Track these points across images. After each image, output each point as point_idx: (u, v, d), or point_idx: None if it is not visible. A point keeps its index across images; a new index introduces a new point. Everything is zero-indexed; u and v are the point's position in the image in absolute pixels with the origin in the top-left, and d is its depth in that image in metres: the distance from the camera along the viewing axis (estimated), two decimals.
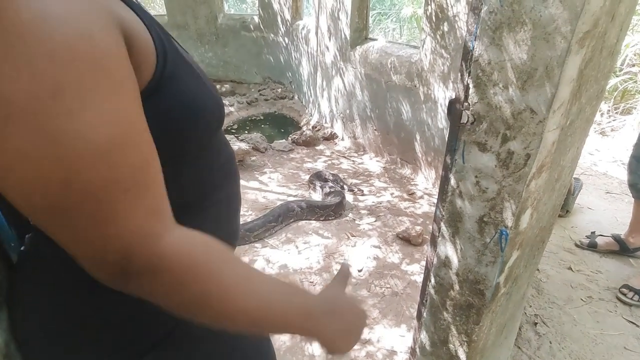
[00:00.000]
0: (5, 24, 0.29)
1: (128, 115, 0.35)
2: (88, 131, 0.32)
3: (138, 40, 0.40)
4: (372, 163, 3.36)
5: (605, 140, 3.84)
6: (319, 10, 3.79)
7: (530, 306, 1.85)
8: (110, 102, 0.33)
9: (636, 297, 1.85)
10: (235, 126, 4.72)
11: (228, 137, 3.62)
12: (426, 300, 1.06)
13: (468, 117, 0.78)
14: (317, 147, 3.70)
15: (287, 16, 4.78)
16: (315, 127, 3.99)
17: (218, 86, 5.96)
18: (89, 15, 0.33)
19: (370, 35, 3.43)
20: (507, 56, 0.68)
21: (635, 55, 3.98)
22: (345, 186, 2.89)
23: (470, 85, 0.76)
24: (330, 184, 2.86)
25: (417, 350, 1.17)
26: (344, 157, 3.50)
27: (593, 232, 2.32)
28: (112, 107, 0.33)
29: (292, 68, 5.04)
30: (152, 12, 6.83)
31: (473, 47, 0.73)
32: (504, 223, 0.79)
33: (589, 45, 0.65)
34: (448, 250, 0.93)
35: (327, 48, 3.74)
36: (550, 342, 1.67)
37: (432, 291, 1.03)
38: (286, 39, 4.99)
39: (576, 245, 2.30)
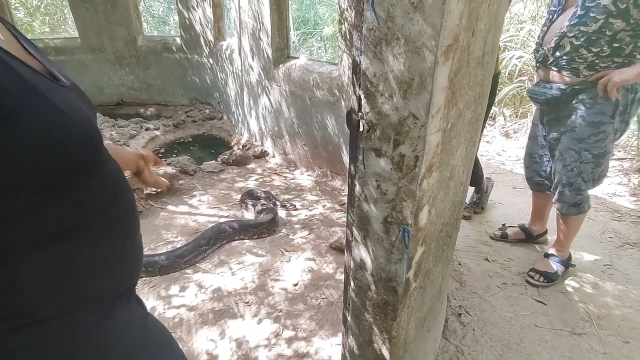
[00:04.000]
0: None
1: None
2: None
3: None
4: (304, 177, 3.41)
5: (509, 141, 4.28)
6: (240, 31, 3.82)
7: (455, 298, 1.98)
8: None
9: (542, 279, 2.06)
10: (162, 150, 4.53)
11: None
12: (349, 305, 1.10)
13: (363, 126, 0.84)
14: (249, 166, 3.67)
15: (210, 37, 4.74)
16: (246, 146, 3.96)
17: (142, 110, 5.70)
18: None
19: (296, 54, 3.52)
20: (388, 68, 0.75)
21: (524, 66, 4.52)
22: (277, 202, 2.90)
23: (362, 96, 0.82)
24: (263, 201, 2.85)
25: (347, 354, 1.20)
26: (276, 173, 3.52)
27: (504, 225, 2.56)
28: None
29: (219, 88, 4.99)
30: (64, 35, 6.40)
31: (360, 61, 0.79)
32: (405, 221, 0.86)
33: (454, 57, 0.74)
34: (362, 253, 0.98)
35: (252, 67, 3.77)
36: (474, 330, 1.79)
37: (352, 294, 1.06)
38: (211, 60, 4.94)
39: (491, 237, 2.52)
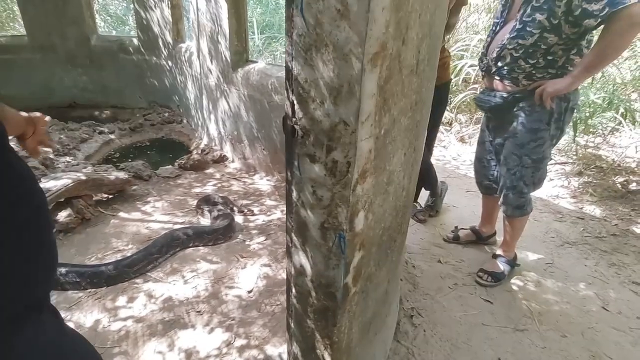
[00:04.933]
0: None
1: None
2: None
3: None
4: (263, 182, 3.38)
5: (464, 146, 4.45)
6: (199, 34, 3.75)
7: (408, 300, 2.02)
8: None
9: (489, 279, 2.15)
10: (117, 154, 4.34)
11: (106, 166, 3.31)
12: (292, 311, 1.09)
13: (297, 132, 0.84)
14: (207, 171, 3.59)
15: (169, 39, 4.62)
16: (204, 151, 3.88)
17: (96, 112, 5.45)
18: None
19: (258, 58, 3.49)
20: (319, 74, 0.76)
21: (477, 75, 4.72)
22: (235, 208, 2.85)
23: (295, 102, 0.82)
24: (220, 207, 2.79)
25: None
26: (235, 178, 3.46)
27: (456, 227, 2.65)
28: None
29: (179, 91, 4.87)
30: (12, 33, 6.03)
31: (292, 67, 0.79)
32: (340, 227, 0.86)
33: (383, 64, 0.75)
34: (301, 259, 0.98)
35: (210, 71, 3.70)
36: (424, 331, 1.83)
37: (294, 301, 1.06)
38: (170, 62, 4.81)
39: (444, 239, 2.60)
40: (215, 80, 3.67)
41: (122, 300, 1.98)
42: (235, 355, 1.66)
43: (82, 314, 1.87)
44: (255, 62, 3.37)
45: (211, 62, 3.65)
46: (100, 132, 4.48)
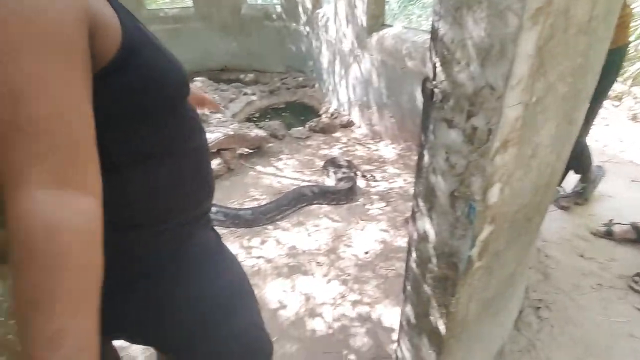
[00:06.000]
0: None
1: (59, 80, 0.41)
2: (14, 81, 0.39)
3: (104, 22, 0.49)
4: (388, 150, 3.37)
5: (636, 126, 3.65)
6: None
7: (535, 291, 1.84)
8: (48, 68, 0.40)
9: None
10: (257, 114, 4.83)
11: (248, 124, 3.73)
12: (409, 275, 1.11)
13: (437, 95, 0.81)
14: (334, 135, 3.74)
15: (308, 5, 4.80)
16: (333, 115, 4.03)
17: (242, 75, 6.08)
18: (59, 5, 0.41)
19: (393, 23, 3.41)
20: (467, 34, 0.71)
21: None
22: (358, 172, 2.94)
23: (437, 64, 0.79)
24: (344, 169, 2.90)
25: (404, 323, 1.22)
26: (360, 144, 3.53)
27: (611, 220, 2.25)
28: (45, 69, 0.40)
29: (313, 56, 5.08)
30: (180, 5, 7.03)
31: (438, 27, 0.76)
32: (472, 197, 0.83)
33: (546, 22, 0.67)
34: (426, 224, 0.98)
35: (345, 35, 3.75)
36: (552, 326, 1.66)
37: (413, 265, 1.07)
38: (307, 28, 5.02)
39: (592, 233, 2.25)
40: (349, 45, 3.71)
41: (255, 241, 2.27)
42: (348, 307, 1.78)
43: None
44: (390, 26, 3.29)
45: (347, 26, 3.69)
46: (245, 94, 5.01)
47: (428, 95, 0.84)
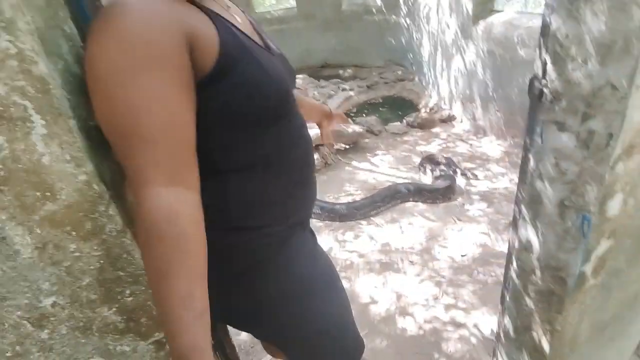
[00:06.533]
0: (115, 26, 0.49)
1: (166, 95, 0.51)
2: (134, 99, 0.49)
3: (203, 39, 0.56)
4: (492, 146, 3.14)
5: None
6: None
7: None
8: (156, 85, 0.50)
9: None
10: (355, 110, 4.89)
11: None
12: (509, 284, 1.04)
13: (546, 95, 0.75)
14: (433, 130, 3.61)
15: None
16: (433, 109, 3.88)
17: (341, 71, 6.18)
18: (159, 31, 0.51)
19: (505, 6, 3.14)
20: (585, 29, 0.65)
21: None
22: (457, 170, 2.79)
23: (548, 62, 0.73)
24: (442, 167, 2.79)
25: (502, 335, 1.16)
26: (461, 140, 3.35)
27: None
28: (155, 87, 0.50)
29: (413, 49, 4.93)
30: (283, 6, 7.42)
31: (550, 21, 0.70)
32: (586, 208, 0.75)
33: None
34: (529, 233, 0.91)
35: (448, 25, 3.57)
36: None
37: (513, 275, 1.00)
38: (407, 20, 4.89)
39: None
40: (452, 35, 3.52)
41: (349, 235, 2.33)
42: (441, 310, 1.73)
43: (320, 240, 2.32)
44: (500, 11, 3.03)
45: (450, 15, 3.50)
46: (343, 89, 5.10)
47: (536, 95, 0.78)
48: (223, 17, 0.63)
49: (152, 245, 0.50)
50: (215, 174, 0.65)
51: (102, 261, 0.59)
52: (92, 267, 0.59)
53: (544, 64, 0.74)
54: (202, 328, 0.52)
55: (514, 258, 0.98)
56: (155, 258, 0.50)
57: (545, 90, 0.75)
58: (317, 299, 0.82)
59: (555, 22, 0.69)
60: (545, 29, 0.72)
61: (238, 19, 0.70)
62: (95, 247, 0.58)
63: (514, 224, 0.96)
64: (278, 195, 0.74)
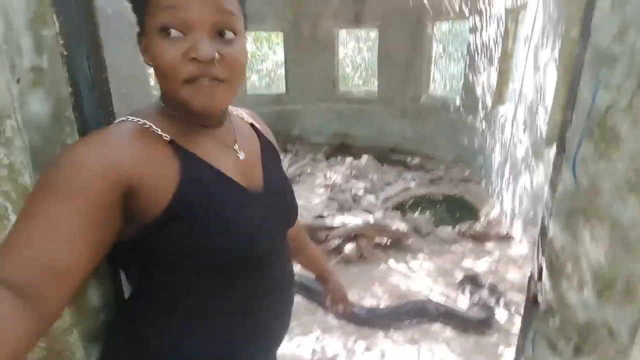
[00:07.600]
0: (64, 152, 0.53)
1: (62, 220, 0.49)
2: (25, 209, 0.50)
3: (147, 188, 0.55)
4: None
5: None
6: (518, 100, 3.55)
7: None
8: (59, 209, 0.49)
9: None
10: (411, 201, 4.75)
11: (395, 212, 3.70)
12: None
13: (540, 304, 0.63)
14: (486, 245, 3.33)
15: (488, 102, 4.64)
16: (491, 223, 3.61)
17: (409, 158, 6.16)
18: (88, 170, 0.51)
19: None
20: (582, 249, 0.54)
21: None
22: (501, 300, 2.49)
23: (544, 267, 0.62)
24: (485, 292, 2.52)
25: None
26: (515, 265, 3.02)
27: None
28: (57, 209, 0.49)
29: (485, 153, 4.78)
30: (368, 88, 7.77)
31: (547, 225, 0.61)
32: None
33: None
34: None
35: (520, 141, 3.42)
36: None
37: None
38: (483, 124, 4.81)
39: None
40: (523, 152, 3.36)
41: (360, 345, 2.15)
42: None
43: (329, 341, 2.16)
44: None
45: (523, 132, 3.36)
46: (404, 179, 5.04)
47: (530, 297, 0.66)
48: (204, 161, 0.62)
49: None
50: (157, 313, 0.63)
51: None
52: None
53: (540, 268, 0.63)
54: None
55: None
56: None
57: (539, 297, 0.63)
58: None
59: (552, 229, 0.59)
60: (543, 230, 0.62)
61: (240, 156, 0.68)
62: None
63: None
64: (226, 348, 0.67)
